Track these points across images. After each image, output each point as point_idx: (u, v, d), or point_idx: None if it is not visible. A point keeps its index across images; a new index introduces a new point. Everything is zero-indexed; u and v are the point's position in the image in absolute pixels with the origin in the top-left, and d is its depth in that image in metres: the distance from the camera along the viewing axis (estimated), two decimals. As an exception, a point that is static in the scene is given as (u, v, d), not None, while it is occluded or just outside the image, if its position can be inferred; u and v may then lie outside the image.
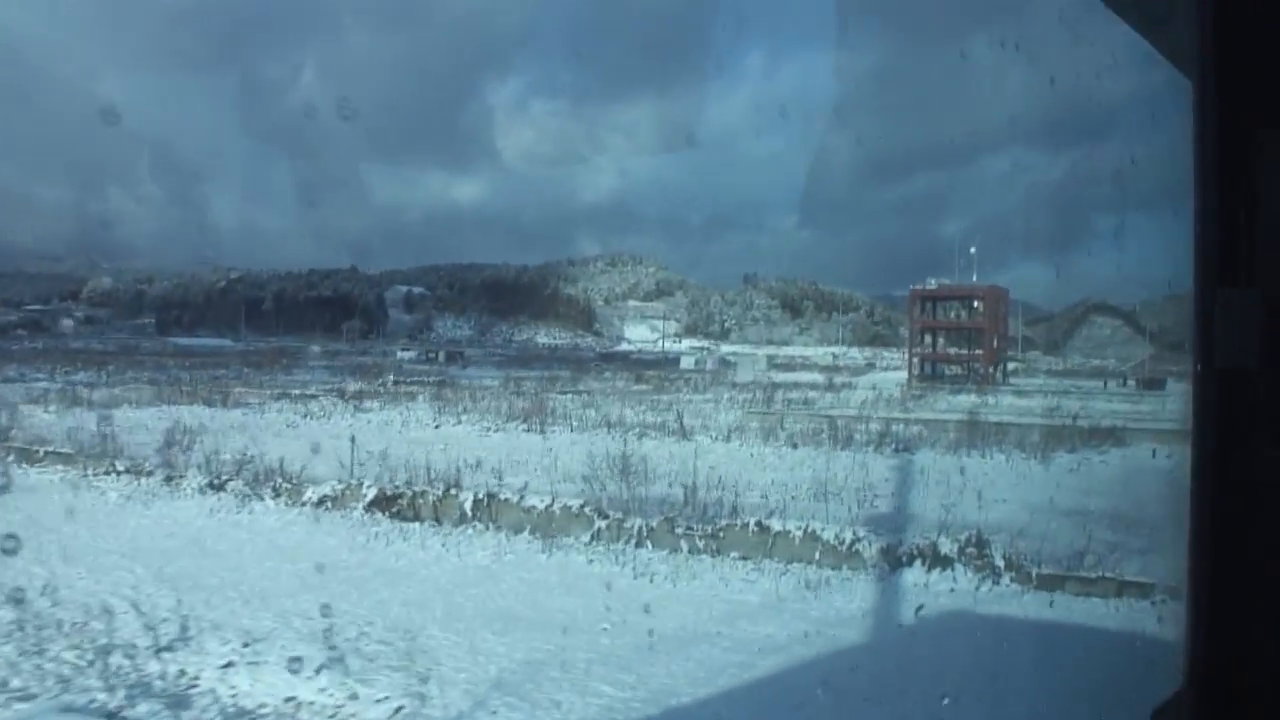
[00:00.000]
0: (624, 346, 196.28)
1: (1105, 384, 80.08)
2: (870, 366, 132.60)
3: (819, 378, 71.27)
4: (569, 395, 42.73)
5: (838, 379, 72.34)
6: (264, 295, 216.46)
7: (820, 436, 24.47)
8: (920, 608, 8.54)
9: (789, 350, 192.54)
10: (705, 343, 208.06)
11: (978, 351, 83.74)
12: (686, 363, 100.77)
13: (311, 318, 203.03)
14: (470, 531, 12.91)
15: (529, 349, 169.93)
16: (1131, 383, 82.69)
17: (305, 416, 27.86)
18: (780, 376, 77.75)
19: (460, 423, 27.95)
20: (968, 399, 48.69)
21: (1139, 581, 9.51)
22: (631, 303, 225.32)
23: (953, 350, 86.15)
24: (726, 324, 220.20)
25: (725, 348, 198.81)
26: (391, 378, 49.53)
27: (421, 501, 14.12)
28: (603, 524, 12.49)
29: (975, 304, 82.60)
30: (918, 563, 10.78)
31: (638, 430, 25.82)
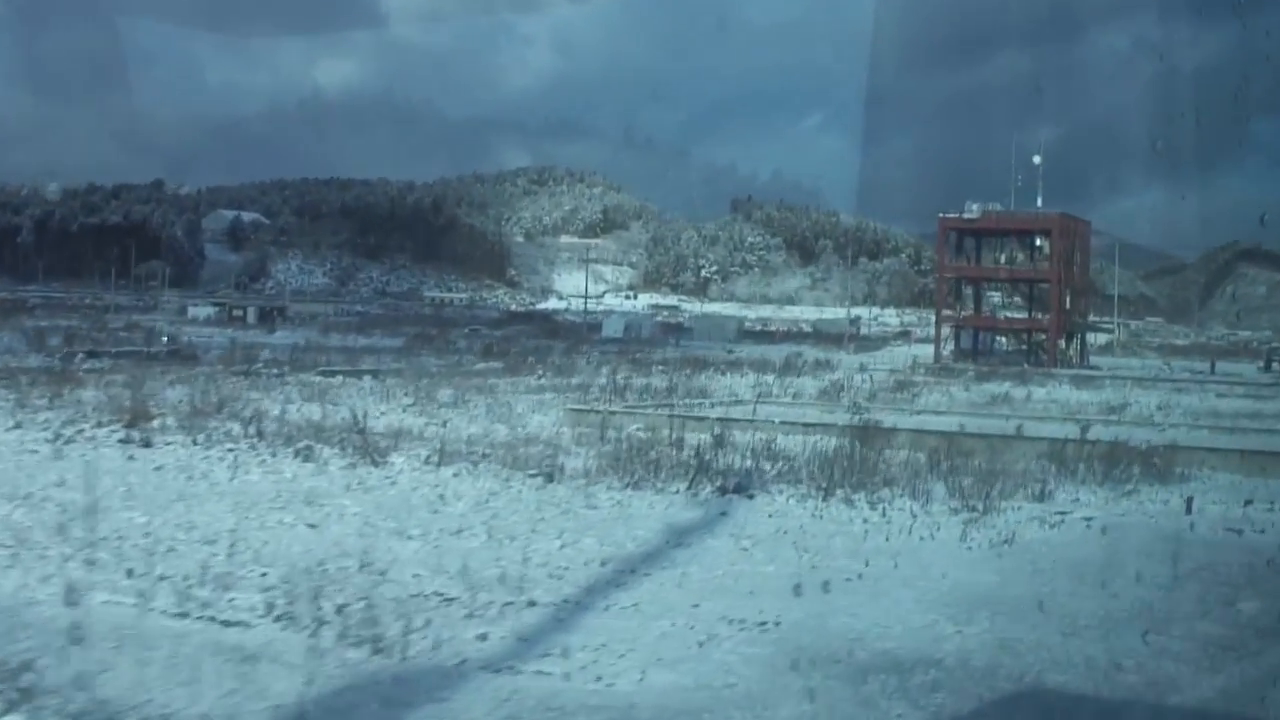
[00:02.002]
0: (551, 304, 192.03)
1: (1265, 367, 77.18)
2: (904, 336, 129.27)
3: (790, 353, 67.07)
4: (357, 378, 39.89)
5: (822, 354, 68.97)
6: (19, 223, 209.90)
7: (619, 462, 19.71)
8: None
9: (792, 311, 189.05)
10: (672, 299, 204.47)
11: (1040, 316, 79.42)
12: (611, 328, 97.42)
13: (91, 256, 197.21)
14: None
15: (404, 306, 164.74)
16: (1276, 365, 79.92)
17: None
18: (746, 351, 74.70)
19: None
20: (991, 390, 45.13)
21: None
22: (565, 239, 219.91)
23: (1002, 315, 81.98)
24: (705, 271, 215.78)
25: (702, 306, 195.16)
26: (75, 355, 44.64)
27: None
28: None
29: (1038, 241, 78.11)
30: None
31: (316, 444, 21.01)
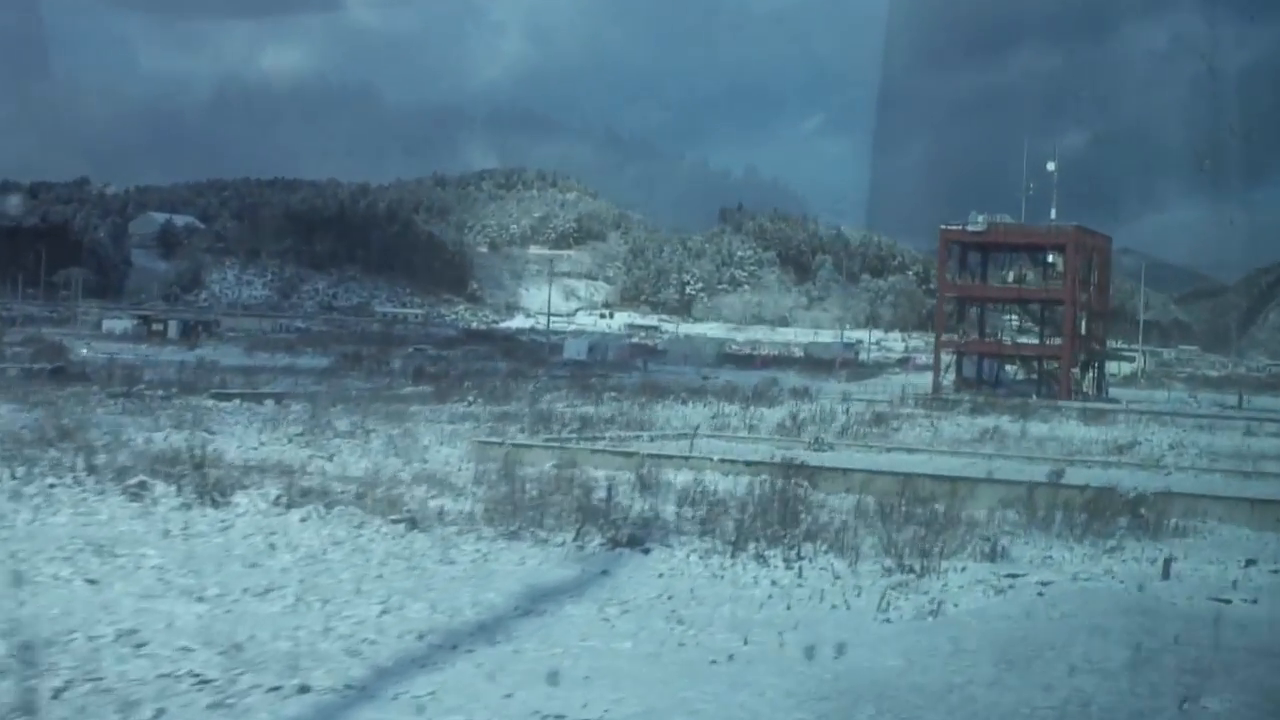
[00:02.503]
0: (517, 322, 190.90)
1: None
2: (905, 362, 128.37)
3: (766, 380, 66.02)
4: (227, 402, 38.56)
5: (806, 382, 68.14)
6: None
7: (507, 506, 18.39)
8: None
9: (785, 334, 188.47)
10: (652, 318, 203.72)
11: (1053, 341, 78.37)
12: (573, 350, 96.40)
13: (3, 261, 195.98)
14: None
15: (350, 322, 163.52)
16: None
17: None
18: (724, 377, 73.86)
19: None
20: (984, 424, 44.11)
21: None
22: (535, 250, 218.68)
23: (1007, 340, 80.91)
24: (689, 288, 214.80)
25: (679, 327, 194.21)
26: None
27: None
28: None
29: (1049, 258, 77.10)
30: None
31: (154, 480, 19.72)
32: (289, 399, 41.52)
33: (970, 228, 77.19)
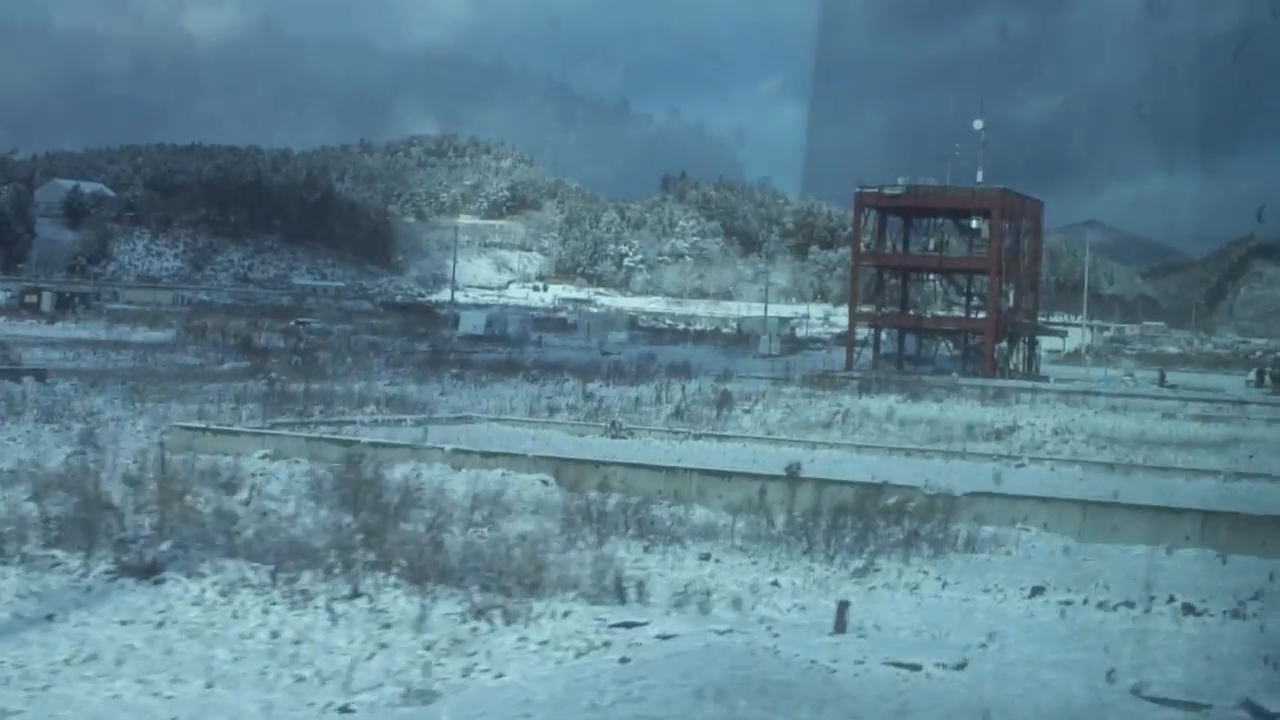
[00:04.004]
0: (446, 295, 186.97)
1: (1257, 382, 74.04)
2: (842, 338, 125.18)
3: (669, 358, 62.58)
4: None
5: (707, 359, 64.66)
6: None
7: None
8: None
9: (728, 308, 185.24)
10: (588, 290, 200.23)
11: (978, 315, 74.84)
12: (470, 322, 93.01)
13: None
14: None
15: (260, 295, 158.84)
16: (1267, 380, 76.94)
17: None
18: (626, 354, 70.62)
19: None
20: (864, 404, 40.47)
21: None
22: (466, 219, 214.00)
23: (928, 313, 77.43)
24: (628, 260, 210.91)
25: (622, 301, 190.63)
26: None
27: None
28: None
29: (974, 223, 73.43)
30: None
31: None
32: (55, 377, 38.15)
33: (888, 190, 73.45)
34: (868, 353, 76.03)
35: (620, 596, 11.86)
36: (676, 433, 28.43)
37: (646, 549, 15.60)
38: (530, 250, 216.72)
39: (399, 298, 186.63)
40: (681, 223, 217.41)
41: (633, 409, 36.10)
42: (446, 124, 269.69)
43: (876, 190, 74.45)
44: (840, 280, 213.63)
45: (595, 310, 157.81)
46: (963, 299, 79.26)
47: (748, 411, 36.78)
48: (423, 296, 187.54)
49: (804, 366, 65.73)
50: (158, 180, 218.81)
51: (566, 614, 11.17)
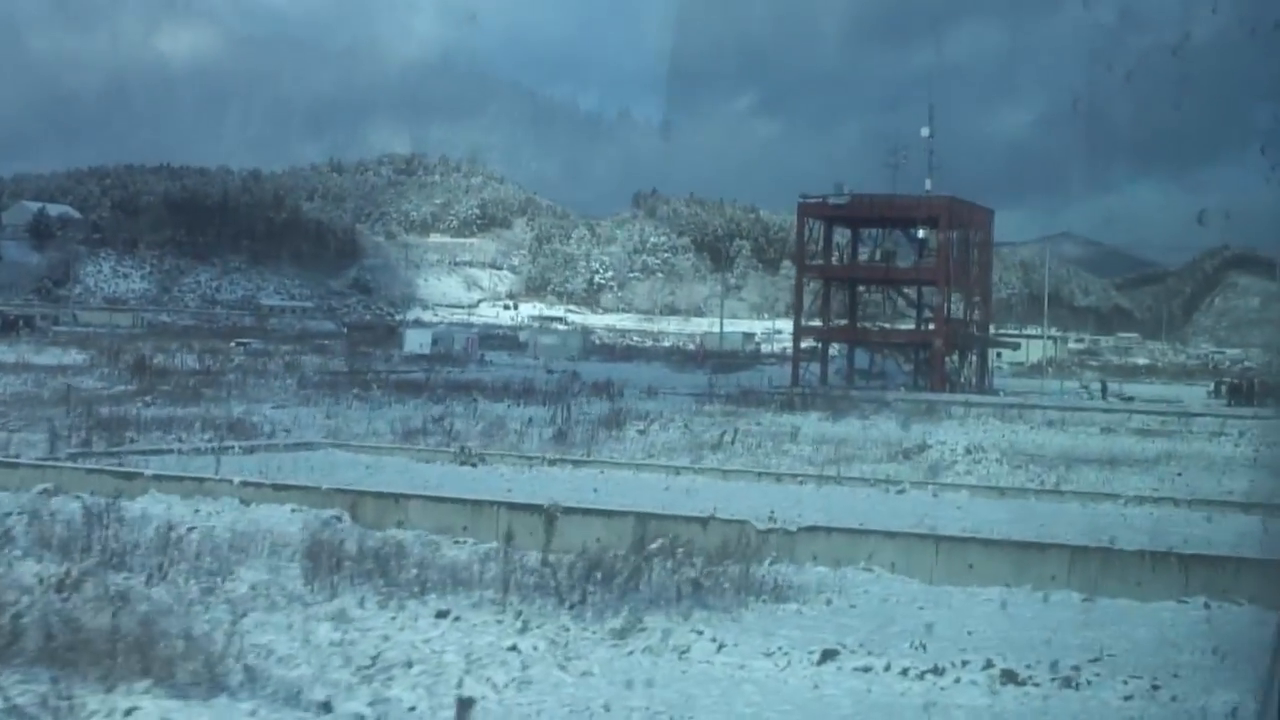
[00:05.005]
0: (414, 315, 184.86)
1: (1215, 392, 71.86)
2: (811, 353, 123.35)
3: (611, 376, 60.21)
4: None
5: (651, 377, 62.07)
6: None
7: None
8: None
9: (699, 324, 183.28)
10: (559, 308, 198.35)
11: (926, 327, 72.55)
12: (415, 341, 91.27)
13: None
14: None
15: (221, 316, 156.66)
16: (1224, 392, 74.76)
17: None
18: (584, 370, 68.09)
19: None
20: (785, 422, 37.98)
21: None
22: (436, 238, 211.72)
23: (871, 325, 75.23)
24: (599, 277, 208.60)
25: (593, 318, 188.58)
26: None
27: None
28: None
29: (921, 233, 71.12)
30: None
31: None
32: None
33: (832, 200, 71.16)
34: (809, 368, 73.81)
35: (216, 687, 9.27)
36: (529, 459, 25.93)
37: (381, 604, 13.16)
38: (500, 268, 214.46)
39: (367, 317, 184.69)
40: (653, 239, 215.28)
41: (523, 430, 33.68)
42: (417, 142, 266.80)
43: (820, 200, 72.24)
44: (811, 295, 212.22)
45: (562, 328, 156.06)
46: (914, 311, 77.12)
47: (642, 432, 34.34)
48: (390, 316, 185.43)
49: (749, 382, 63.42)
50: (125, 202, 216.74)
51: (129, 712, 8.60)
